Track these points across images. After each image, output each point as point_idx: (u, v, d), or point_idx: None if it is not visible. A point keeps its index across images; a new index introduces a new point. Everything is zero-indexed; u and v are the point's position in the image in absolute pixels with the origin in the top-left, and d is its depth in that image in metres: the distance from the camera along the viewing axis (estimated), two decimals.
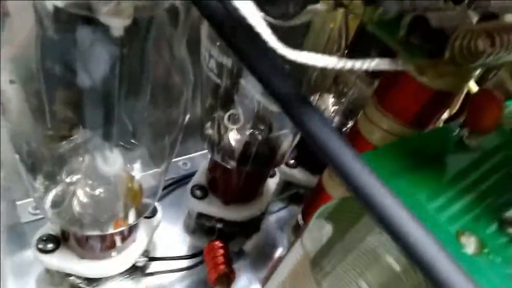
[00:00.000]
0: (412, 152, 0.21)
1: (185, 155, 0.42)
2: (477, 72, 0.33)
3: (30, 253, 0.29)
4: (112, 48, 0.16)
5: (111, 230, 0.28)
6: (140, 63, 0.18)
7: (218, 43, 0.24)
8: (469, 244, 0.17)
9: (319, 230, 0.18)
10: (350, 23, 0.27)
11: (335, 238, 0.23)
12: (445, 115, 0.36)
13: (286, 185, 0.41)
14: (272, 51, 0.14)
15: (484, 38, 0.17)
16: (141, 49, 0.18)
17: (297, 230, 0.33)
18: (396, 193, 0.19)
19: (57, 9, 0.15)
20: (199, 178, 0.35)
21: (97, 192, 0.26)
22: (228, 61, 0.24)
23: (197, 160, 0.42)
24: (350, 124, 0.37)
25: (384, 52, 0.27)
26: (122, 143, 0.24)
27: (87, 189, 0.27)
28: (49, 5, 0.15)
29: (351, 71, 0.33)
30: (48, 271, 0.32)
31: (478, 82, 0.36)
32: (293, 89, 0.15)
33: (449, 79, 0.23)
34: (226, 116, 0.28)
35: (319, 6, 0.18)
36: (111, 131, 0.20)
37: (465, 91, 0.27)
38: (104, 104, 0.18)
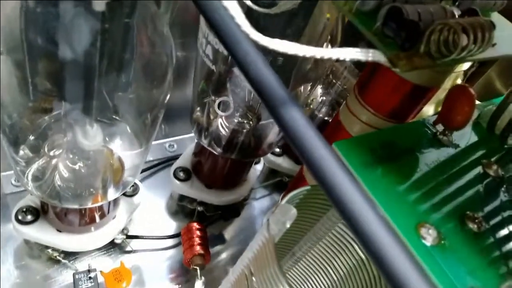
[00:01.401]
0: (386, 144, 0.21)
1: (172, 137, 0.42)
2: (465, 68, 0.33)
3: (11, 226, 0.30)
4: (94, 22, 0.16)
5: (89, 205, 0.28)
6: (122, 39, 0.18)
7: None
8: (428, 236, 0.17)
9: (284, 214, 0.18)
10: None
11: (299, 228, 0.23)
12: (431, 112, 0.36)
13: (270, 173, 0.41)
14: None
15: (458, 33, 0.17)
16: (123, 24, 0.18)
17: None
18: (365, 182, 0.20)
19: None
20: (183, 160, 0.36)
21: (77, 166, 0.27)
22: (224, 49, 0.24)
23: (183, 143, 0.42)
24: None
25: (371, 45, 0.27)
26: (103, 119, 0.24)
27: (68, 163, 0.27)
28: None
29: (332, 61, 0.34)
30: (27, 242, 0.32)
31: (467, 81, 0.36)
32: (271, 76, 0.15)
33: (426, 73, 0.23)
34: (216, 103, 0.28)
35: None
36: (91, 106, 0.20)
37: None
38: (85, 78, 0.18)
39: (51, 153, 0.27)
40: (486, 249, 0.18)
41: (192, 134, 0.43)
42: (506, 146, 0.23)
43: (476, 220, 0.19)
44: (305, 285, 0.25)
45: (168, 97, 0.24)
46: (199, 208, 0.35)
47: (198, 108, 0.32)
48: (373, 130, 0.26)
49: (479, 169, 0.21)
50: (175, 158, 0.38)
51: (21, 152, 0.26)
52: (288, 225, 0.19)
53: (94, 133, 0.23)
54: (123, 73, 0.21)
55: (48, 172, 0.27)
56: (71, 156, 0.27)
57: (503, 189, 0.21)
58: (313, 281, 0.25)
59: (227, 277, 0.25)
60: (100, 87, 0.20)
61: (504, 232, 0.19)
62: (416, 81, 0.23)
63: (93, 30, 0.17)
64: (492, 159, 0.22)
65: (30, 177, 0.27)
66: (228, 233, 0.37)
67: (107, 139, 0.27)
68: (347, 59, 0.17)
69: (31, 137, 0.26)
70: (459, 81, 0.33)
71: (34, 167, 0.27)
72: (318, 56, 0.16)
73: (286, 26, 0.25)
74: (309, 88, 0.32)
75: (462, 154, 0.22)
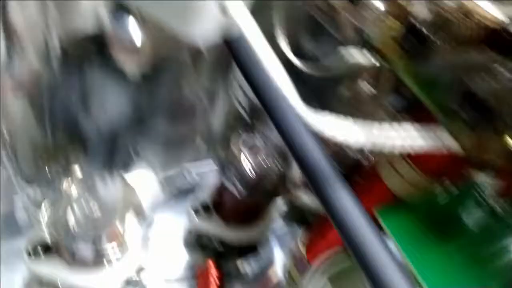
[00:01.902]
0: (433, 212, 0.20)
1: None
2: None
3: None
4: (126, 89, 0.15)
5: (104, 244, 0.27)
6: (154, 103, 0.17)
7: None
8: None
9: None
10: None
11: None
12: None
13: (292, 207, 0.39)
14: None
15: None
16: (155, 89, 0.16)
17: (297, 259, 0.32)
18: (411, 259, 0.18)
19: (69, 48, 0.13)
20: (203, 195, 0.34)
21: (93, 207, 0.25)
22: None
23: (197, 170, 0.40)
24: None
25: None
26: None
27: (83, 203, 0.25)
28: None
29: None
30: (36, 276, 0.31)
31: None
32: (319, 157, 0.14)
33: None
34: (241, 140, 0.27)
35: (361, 60, 0.16)
36: (114, 162, 0.19)
37: None
38: (110, 143, 0.17)
39: (67, 190, 0.25)
40: None
41: (204, 161, 0.41)
42: None
43: None
44: None
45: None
46: (217, 245, 0.34)
47: (222, 143, 0.30)
48: (414, 189, 0.24)
49: None
50: (190, 187, 0.36)
51: (34, 189, 0.25)
52: None
53: (114, 185, 0.21)
54: (152, 133, 0.19)
55: (63, 209, 0.26)
56: (86, 195, 0.25)
57: None
58: None
59: None
60: (125, 145, 0.19)
61: None
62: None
63: (125, 98, 0.16)
64: None
65: (43, 214, 0.26)
66: (244, 268, 0.36)
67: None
68: (420, 148, 0.15)
69: (47, 176, 0.25)
70: None
71: (48, 202, 0.26)
72: (380, 145, 0.14)
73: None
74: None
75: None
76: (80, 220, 0.25)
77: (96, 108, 0.15)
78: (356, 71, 0.21)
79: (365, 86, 0.22)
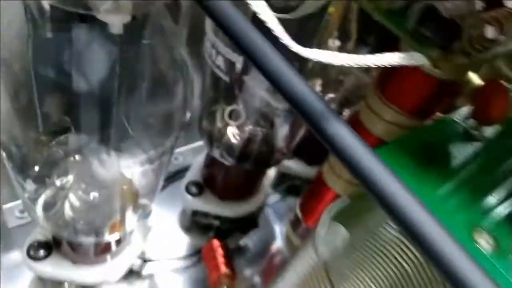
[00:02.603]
0: (421, 147, 0.21)
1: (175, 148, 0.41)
2: None
3: (17, 257, 0.28)
4: (111, 47, 0.15)
5: (106, 236, 0.27)
6: (139, 62, 0.17)
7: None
8: (484, 242, 0.17)
9: (334, 235, 0.17)
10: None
11: (349, 244, 0.22)
12: None
13: (282, 177, 0.40)
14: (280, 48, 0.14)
15: (493, 26, 0.17)
16: (140, 46, 0.16)
17: (296, 224, 0.33)
18: (412, 188, 0.19)
19: (53, 8, 0.13)
20: (194, 174, 0.34)
21: (91, 196, 0.25)
22: (238, 59, 0.23)
23: (188, 154, 0.41)
24: (344, 112, 0.36)
25: (382, 40, 0.27)
26: (120, 145, 0.23)
27: (80, 193, 0.25)
28: (45, 4, 0.13)
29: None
30: (40, 277, 0.30)
31: None
32: (307, 88, 0.14)
33: (455, 68, 0.22)
34: (227, 112, 0.27)
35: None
36: (108, 134, 0.19)
37: None
38: (102, 107, 0.17)
39: (62, 182, 0.25)
40: None
41: (196, 144, 0.42)
42: None
43: None
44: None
45: (188, 117, 0.23)
46: (215, 223, 0.34)
47: (207, 118, 0.31)
48: (398, 129, 0.25)
49: None
50: (182, 171, 0.36)
51: (30, 182, 0.25)
52: (340, 246, 0.18)
53: (111, 161, 0.21)
54: (140, 97, 0.19)
55: (59, 203, 0.26)
56: (83, 185, 0.25)
57: None
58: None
59: None
60: (118, 114, 0.19)
61: None
62: (442, 76, 0.22)
63: (110, 55, 0.16)
64: None
65: (40, 208, 0.25)
66: (247, 243, 0.36)
67: (123, 165, 0.25)
68: (386, 65, 0.16)
69: (41, 167, 0.24)
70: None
71: (44, 197, 0.25)
72: (360, 65, 0.15)
73: (300, 30, 0.24)
74: (319, 88, 0.31)
75: (497, 147, 0.22)
76: (80, 210, 0.25)
77: (85, 70, 0.15)
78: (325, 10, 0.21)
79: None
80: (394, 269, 0.19)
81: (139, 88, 0.18)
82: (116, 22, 0.14)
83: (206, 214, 0.35)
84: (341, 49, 0.30)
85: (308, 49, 0.14)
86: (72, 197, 0.25)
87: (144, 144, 0.23)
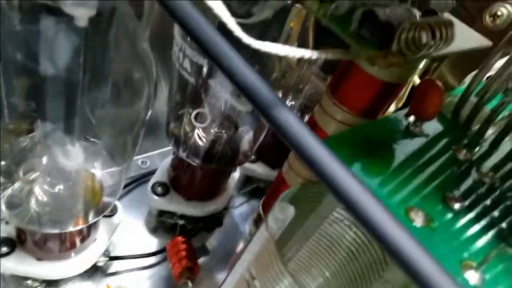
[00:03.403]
0: (364, 139, 0.23)
1: (143, 153, 0.42)
2: (421, 66, 0.35)
3: None
4: (76, 38, 0.16)
5: (70, 228, 0.27)
6: (103, 55, 0.18)
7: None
8: (418, 219, 0.19)
9: (282, 212, 0.19)
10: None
11: (297, 223, 0.24)
12: (392, 108, 0.39)
13: (246, 180, 0.41)
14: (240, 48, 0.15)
15: (426, 31, 0.19)
16: (104, 40, 0.18)
17: (258, 221, 0.34)
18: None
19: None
20: (160, 175, 0.35)
21: (56, 189, 0.26)
22: (203, 61, 0.24)
23: (155, 159, 0.42)
24: (306, 118, 0.39)
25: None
26: (84, 139, 0.24)
27: (46, 187, 0.26)
28: None
29: (308, 65, 0.35)
30: (2, 278, 0.30)
31: (422, 76, 0.39)
32: (262, 84, 0.16)
33: (396, 71, 0.25)
34: (193, 115, 0.29)
35: (276, 2, 0.19)
36: (72, 124, 0.20)
37: (409, 86, 0.29)
38: (66, 96, 0.18)
39: (27, 177, 0.26)
40: (470, 223, 0.19)
41: (164, 149, 0.43)
42: (470, 132, 0.25)
43: (456, 199, 0.20)
44: (308, 273, 0.26)
45: (149, 114, 0.24)
46: (180, 222, 0.35)
47: (174, 121, 0.32)
48: (348, 128, 0.27)
49: (450, 154, 0.23)
50: (149, 174, 0.37)
51: None
52: (287, 222, 0.19)
53: (75, 152, 0.22)
54: (104, 90, 0.21)
55: (24, 197, 0.26)
56: (48, 179, 0.26)
57: (473, 170, 0.23)
58: (315, 267, 0.25)
59: (223, 286, 0.25)
60: (82, 105, 0.20)
61: (482, 207, 0.20)
62: (386, 79, 0.24)
63: (75, 47, 0.17)
64: (461, 145, 0.24)
65: (4, 203, 0.26)
66: (212, 243, 0.37)
67: (86, 161, 0.26)
68: (328, 58, 0.18)
69: (6, 161, 0.25)
70: (416, 78, 0.36)
71: (9, 192, 0.26)
72: (306, 57, 0.17)
73: (261, 37, 0.26)
74: (280, 96, 0.33)
75: (434, 142, 0.24)
76: (44, 202, 0.26)
77: (51, 60, 0.16)
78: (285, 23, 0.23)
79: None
80: (335, 243, 0.21)
81: (103, 81, 0.20)
82: (82, 15, 0.15)
83: (172, 214, 0.36)
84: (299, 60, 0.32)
85: (258, 41, 0.16)
86: (37, 190, 0.26)
87: (107, 138, 0.24)
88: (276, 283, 0.18)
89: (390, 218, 0.15)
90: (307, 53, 0.16)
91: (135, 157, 0.41)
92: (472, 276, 0.17)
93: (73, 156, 0.22)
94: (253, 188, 0.41)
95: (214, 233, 0.38)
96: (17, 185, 0.26)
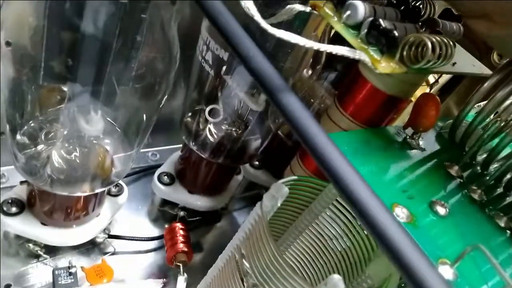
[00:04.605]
0: (363, 142, 0.24)
1: (155, 147, 0.44)
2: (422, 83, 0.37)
3: None
4: (117, 9, 0.18)
5: (78, 193, 0.29)
6: (136, 32, 0.21)
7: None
8: (402, 214, 0.20)
9: (277, 191, 0.20)
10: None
11: (290, 210, 0.25)
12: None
13: (249, 186, 0.43)
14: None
15: (428, 44, 0.21)
16: (140, 20, 0.20)
17: None
18: None
19: None
20: (168, 166, 0.37)
21: (72, 156, 0.28)
22: (224, 54, 0.27)
23: (166, 153, 0.44)
24: None
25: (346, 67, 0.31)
26: (105, 110, 0.26)
27: (63, 152, 0.28)
28: None
29: (318, 79, 0.37)
30: (6, 238, 0.32)
31: None
32: (273, 71, 0.18)
33: (398, 85, 0.26)
34: (207, 110, 0.31)
35: (296, 6, 0.21)
36: (99, 90, 0.22)
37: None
38: (99, 60, 0.20)
39: (48, 141, 0.28)
40: (451, 228, 0.20)
41: (174, 146, 0.45)
42: (464, 152, 0.26)
43: (442, 206, 0.21)
44: (304, 262, 0.27)
45: (164, 100, 0.26)
46: (181, 213, 0.36)
47: (190, 114, 0.34)
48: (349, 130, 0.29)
49: (442, 169, 0.25)
50: (157, 166, 0.39)
51: (21, 137, 0.27)
52: (279, 203, 0.21)
53: (97, 120, 0.24)
54: (130, 65, 0.23)
55: (43, 159, 0.28)
56: (66, 145, 0.28)
57: (463, 186, 0.24)
58: (311, 257, 0.26)
59: (214, 264, 0.26)
60: (110, 74, 0.22)
61: (464, 216, 0.22)
62: (389, 92, 0.26)
63: (114, 16, 0.20)
64: (454, 162, 0.25)
65: (24, 163, 0.28)
66: (206, 242, 0.38)
67: (102, 137, 0.28)
68: (339, 53, 0.20)
69: (33, 124, 0.27)
70: None
71: (31, 153, 0.28)
72: (315, 48, 0.19)
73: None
74: None
75: (428, 156, 0.25)
76: (60, 166, 0.27)
77: (91, 28, 0.18)
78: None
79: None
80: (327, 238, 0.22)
81: (132, 56, 0.22)
82: None
83: (173, 205, 0.37)
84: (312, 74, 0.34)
85: (280, 30, 0.18)
86: (55, 154, 0.28)
87: (124, 117, 0.26)
88: (265, 262, 0.19)
89: (380, 205, 0.16)
90: (321, 46, 0.18)
91: (147, 149, 0.43)
92: (447, 271, 0.18)
93: (95, 122, 0.24)
94: (254, 194, 0.43)
95: (210, 232, 0.39)
96: (39, 147, 0.28)
